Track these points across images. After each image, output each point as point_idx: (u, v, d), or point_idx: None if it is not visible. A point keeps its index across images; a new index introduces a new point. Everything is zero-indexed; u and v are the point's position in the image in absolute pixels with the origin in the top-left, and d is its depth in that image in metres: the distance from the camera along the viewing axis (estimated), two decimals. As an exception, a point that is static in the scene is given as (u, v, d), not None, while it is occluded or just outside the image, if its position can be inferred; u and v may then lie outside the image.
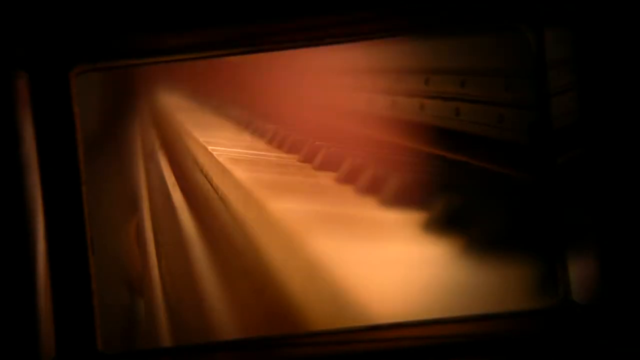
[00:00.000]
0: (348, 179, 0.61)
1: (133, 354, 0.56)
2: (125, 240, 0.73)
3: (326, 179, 0.64)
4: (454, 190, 0.51)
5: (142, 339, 0.62)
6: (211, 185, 0.71)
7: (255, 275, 0.50)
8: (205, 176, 0.73)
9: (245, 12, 0.50)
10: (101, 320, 0.52)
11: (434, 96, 0.70)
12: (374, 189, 0.57)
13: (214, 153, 0.72)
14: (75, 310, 0.52)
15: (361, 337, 0.49)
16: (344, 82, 0.91)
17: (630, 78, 0.48)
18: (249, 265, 0.51)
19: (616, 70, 0.48)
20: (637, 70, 0.48)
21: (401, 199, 0.54)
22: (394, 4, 0.51)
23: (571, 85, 0.51)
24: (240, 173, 0.63)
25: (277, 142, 0.84)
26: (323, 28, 0.52)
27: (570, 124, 0.51)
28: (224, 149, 0.76)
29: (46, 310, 0.51)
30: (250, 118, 1.04)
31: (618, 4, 0.48)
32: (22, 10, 0.50)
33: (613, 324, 0.49)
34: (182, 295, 0.58)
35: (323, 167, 0.68)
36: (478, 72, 0.64)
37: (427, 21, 0.52)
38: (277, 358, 0.52)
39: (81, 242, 0.52)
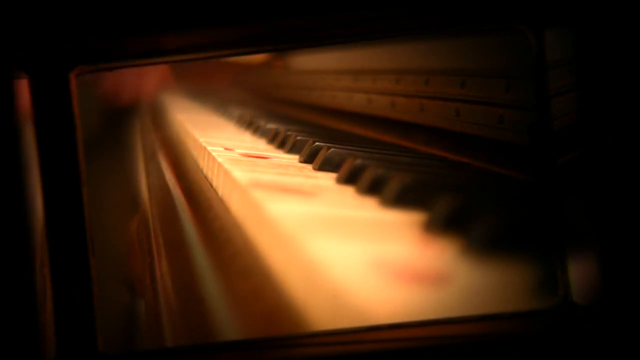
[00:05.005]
0: (348, 179, 0.61)
1: (133, 355, 0.56)
2: (126, 240, 0.73)
3: (326, 179, 0.64)
4: (454, 191, 0.51)
5: (142, 340, 0.62)
6: (211, 185, 0.71)
7: (255, 275, 0.50)
8: (205, 177, 0.73)
9: (245, 12, 0.50)
10: (101, 321, 0.52)
11: (434, 97, 0.70)
12: (374, 190, 0.57)
13: (214, 153, 0.73)
14: (76, 311, 0.52)
15: (361, 337, 0.49)
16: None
17: (630, 78, 0.48)
18: (248, 266, 0.51)
19: (616, 70, 0.48)
20: (637, 70, 0.48)
21: (401, 200, 0.54)
22: (394, 4, 0.51)
23: (571, 86, 0.51)
24: (241, 173, 0.63)
25: (278, 143, 0.84)
26: (323, 28, 0.52)
27: (571, 125, 0.51)
28: (225, 150, 0.76)
29: (47, 312, 0.51)
30: (251, 118, 1.04)
31: (618, 4, 0.48)
32: (22, 11, 0.50)
33: (613, 325, 0.49)
34: (182, 296, 0.58)
35: (323, 167, 0.68)
36: (478, 73, 0.64)
37: (427, 21, 0.52)
38: (277, 358, 0.52)
39: (81, 243, 0.52)
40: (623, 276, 0.48)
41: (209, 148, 0.76)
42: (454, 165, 0.66)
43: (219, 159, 0.69)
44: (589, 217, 0.49)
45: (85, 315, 0.52)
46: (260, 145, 0.86)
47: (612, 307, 0.49)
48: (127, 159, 0.91)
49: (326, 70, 0.96)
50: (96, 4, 0.50)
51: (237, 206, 0.60)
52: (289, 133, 0.83)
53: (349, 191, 0.59)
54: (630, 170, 0.48)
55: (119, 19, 0.51)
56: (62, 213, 0.51)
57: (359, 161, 0.61)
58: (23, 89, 0.51)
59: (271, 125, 0.92)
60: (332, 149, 0.68)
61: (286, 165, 0.71)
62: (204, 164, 0.75)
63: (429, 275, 0.45)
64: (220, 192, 0.67)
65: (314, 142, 0.73)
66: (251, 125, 1.00)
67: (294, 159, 0.75)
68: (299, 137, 0.80)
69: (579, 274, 0.50)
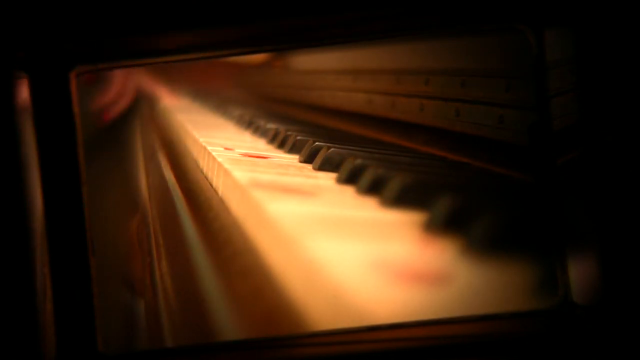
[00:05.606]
0: (348, 179, 0.61)
1: (133, 355, 0.56)
2: (126, 240, 0.73)
3: (326, 179, 0.64)
4: (454, 191, 0.51)
5: (142, 340, 0.62)
6: (211, 185, 0.71)
7: (255, 275, 0.50)
8: (205, 176, 0.73)
9: (245, 12, 0.50)
10: (101, 321, 0.52)
11: (434, 97, 0.70)
12: (374, 190, 0.57)
13: (214, 153, 0.73)
14: (76, 311, 0.52)
15: (361, 337, 0.49)
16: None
17: (630, 78, 0.48)
18: (248, 266, 0.51)
19: (616, 70, 0.48)
20: (637, 70, 0.48)
21: (401, 200, 0.54)
22: (394, 4, 0.51)
23: (571, 86, 0.51)
24: (241, 173, 0.63)
25: (278, 143, 0.84)
26: (323, 28, 0.52)
27: (571, 125, 0.51)
28: (225, 150, 0.76)
29: (47, 311, 0.51)
30: (251, 118, 1.04)
31: (618, 4, 0.48)
32: (22, 11, 0.50)
33: (613, 325, 0.49)
34: (182, 296, 0.58)
35: (323, 167, 0.68)
36: (478, 73, 0.64)
37: (427, 21, 0.52)
38: (277, 358, 0.52)
39: (81, 243, 0.52)
40: (623, 276, 0.48)
41: (209, 148, 0.76)
42: (454, 165, 0.66)
43: (219, 159, 0.69)
44: (589, 217, 0.49)
45: (85, 315, 0.52)
46: (260, 145, 0.86)
47: (612, 307, 0.49)
48: (127, 159, 0.91)
49: (326, 70, 0.96)
50: (96, 4, 0.50)
51: (237, 206, 0.60)
52: (289, 133, 0.83)
53: (349, 191, 0.59)
54: (630, 170, 0.48)
55: (119, 19, 0.51)
56: (62, 213, 0.51)
57: (359, 161, 0.61)
58: (23, 89, 0.51)
59: (271, 125, 0.92)
60: (332, 149, 0.68)
61: (286, 165, 0.71)
62: (204, 164, 0.75)
63: (429, 275, 0.45)
64: (220, 192, 0.67)
65: (314, 142, 0.73)
66: (251, 125, 1.00)
67: (294, 159, 0.75)
68: (299, 137, 0.80)
69: (579, 274, 0.50)
